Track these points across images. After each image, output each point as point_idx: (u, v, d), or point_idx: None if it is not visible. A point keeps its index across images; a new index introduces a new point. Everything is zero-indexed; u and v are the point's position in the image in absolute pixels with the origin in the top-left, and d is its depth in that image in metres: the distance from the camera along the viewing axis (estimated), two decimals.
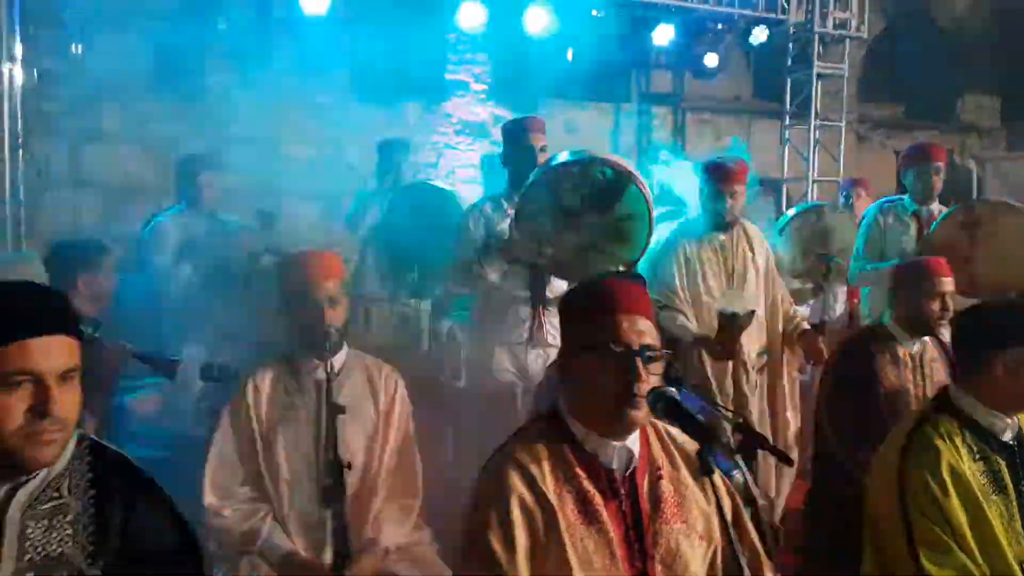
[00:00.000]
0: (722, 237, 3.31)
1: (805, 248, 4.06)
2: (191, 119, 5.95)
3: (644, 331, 1.52)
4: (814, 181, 7.14)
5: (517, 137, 3.19)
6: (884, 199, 4.22)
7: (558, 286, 3.05)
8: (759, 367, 3.32)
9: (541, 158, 3.05)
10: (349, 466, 1.92)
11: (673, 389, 1.50)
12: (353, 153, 6.27)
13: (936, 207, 3.84)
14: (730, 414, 2.06)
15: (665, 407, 1.44)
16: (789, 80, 7.41)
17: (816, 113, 7.28)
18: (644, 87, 8.15)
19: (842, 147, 7.23)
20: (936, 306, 2.65)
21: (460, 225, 3.19)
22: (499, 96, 7.19)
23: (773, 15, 6.96)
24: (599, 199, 2.72)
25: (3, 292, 1.28)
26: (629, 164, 2.85)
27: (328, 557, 2.16)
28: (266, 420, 2.30)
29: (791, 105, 7.42)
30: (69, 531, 1.30)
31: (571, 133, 7.24)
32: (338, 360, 2.30)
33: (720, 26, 6.99)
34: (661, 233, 3.28)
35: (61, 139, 5.90)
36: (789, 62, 7.38)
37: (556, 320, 2.81)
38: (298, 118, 6.23)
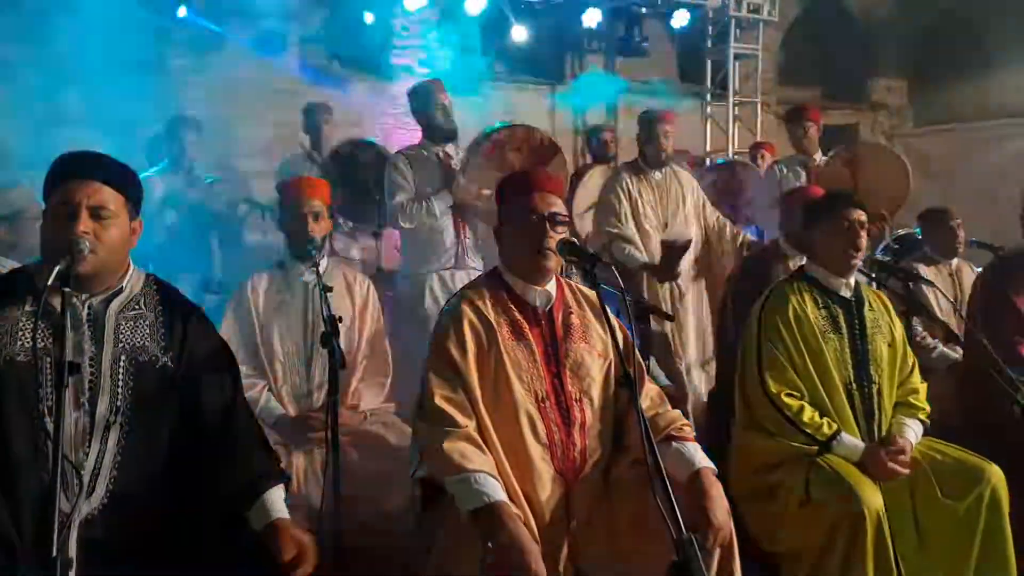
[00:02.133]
0: (657, 176, 4.01)
1: (719, 197, 4.82)
2: (151, 102, 6.38)
3: (553, 203, 2.14)
4: (734, 154, 7.92)
5: (425, 97, 3.86)
6: (783, 157, 5.00)
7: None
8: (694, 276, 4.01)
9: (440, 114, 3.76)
10: (340, 319, 2.47)
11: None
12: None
13: (820, 158, 4.60)
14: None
15: (568, 248, 2.06)
16: (709, 61, 8.20)
17: (734, 91, 8.08)
18: (578, 68, 8.78)
19: (759, 121, 8.03)
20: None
21: (390, 176, 3.79)
22: (442, 79, 7.79)
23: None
24: (534, 158, 3.38)
25: (68, 156, 1.84)
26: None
27: None
28: (263, 313, 2.86)
29: (711, 84, 8.20)
30: (147, 331, 1.87)
31: (510, 113, 7.88)
32: (322, 265, 2.88)
33: (644, 10, 7.70)
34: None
35: (24, 123, 6.30)
36: (709, 44, 8.17)
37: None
38: (253, 101, 6.70)
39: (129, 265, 1.92)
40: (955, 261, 3.91)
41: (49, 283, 1.63)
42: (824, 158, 4.63)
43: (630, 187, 3.93)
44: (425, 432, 1.98)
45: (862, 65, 10.00)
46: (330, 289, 2.56)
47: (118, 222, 1.82)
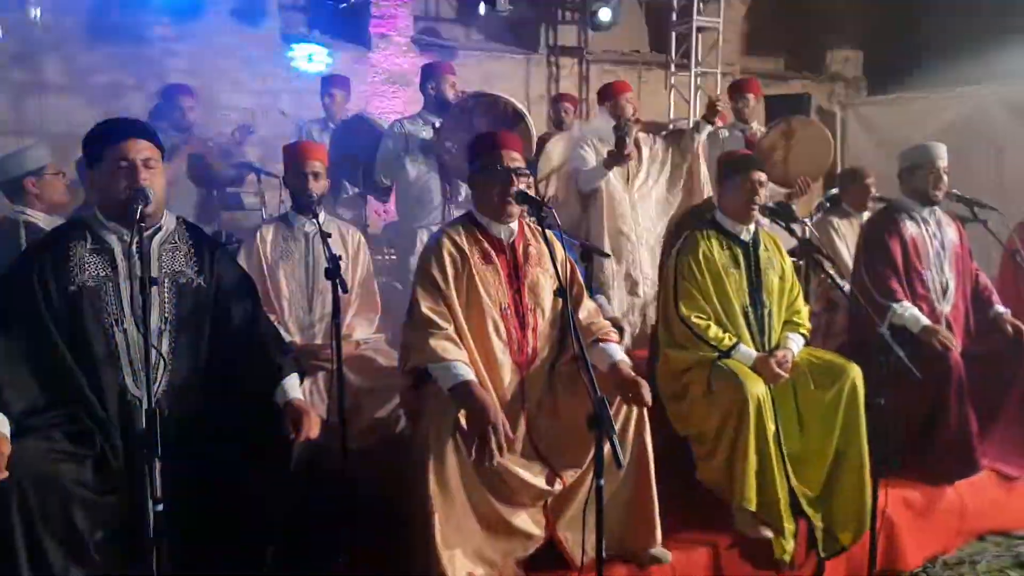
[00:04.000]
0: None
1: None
2: (131, 70, 6.87)
3: (516, 159, 2.83)
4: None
5: (438, 77, 4.65)
6: (727, 124, 5.75)
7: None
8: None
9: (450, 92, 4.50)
10: (340, 257, 3.13)
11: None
12: (286, 101, 7.38)
13: (757, 127, 5.35)
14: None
15: (522, 196, 2.76)
16: (674, 33, 8.89)
17: (697, 62, 8.79)
18: (552, 40, 9.43)
19: (718, 91, 8.75)
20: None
21: (384, 134, 4.54)
22: (419, 48, 8.39)
23: None
24: (501, 124, 4.08)
25: (113, 121, 2.42)
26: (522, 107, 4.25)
27: None
28: (270, 257, 3.53)
29: (676, 56, 8.91)
30: (183, 259, 2.48)
31: (486, 83, 8.50)
32: (321, 217, 3.55)
33: None
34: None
35: (3, 90, 6.52)
36: (674, 17, 8.86)
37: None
38: (233, 69, 7.22)
39: (164, 208, 2.50)
40: (865, 213, 4.66)
41: (137, 221, 2.23)
42: (762, 128, 5.39)
43: (593, 144, 4.62)
44: (414, 334, 2.68)
45: (821, 37, 10.77)
46: (329, 235, 3.24)
47: (161, 169, 2.42)
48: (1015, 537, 3.57)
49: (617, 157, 4.30)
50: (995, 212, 3.76)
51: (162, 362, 2.37)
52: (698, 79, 8.88)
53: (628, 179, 4.67)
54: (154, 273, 2.37)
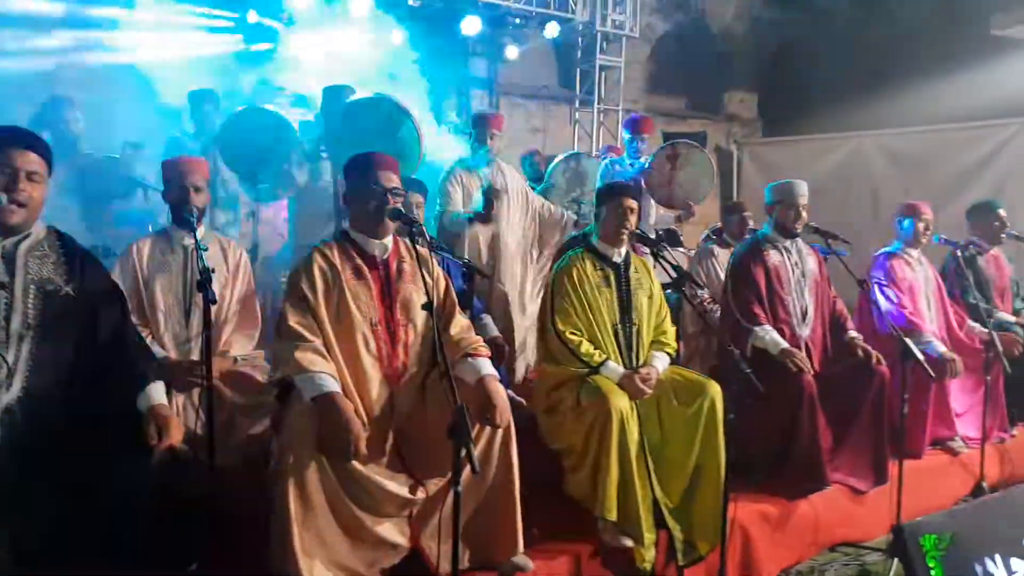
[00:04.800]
0: (485, 169, 4.86)
1: (568, 185, 5.82)
2: (25, 82, 6.71)
3: (392, 178, 2.93)
4: (593, 156, 8.95)
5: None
6: (619, 157, 6.03)
7: None
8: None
9: None
10: (214, 270, 3.14)
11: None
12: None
13: (646, 159, 5.63)
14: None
15: (396, 214, 2.86)
16: (578, 71, 9.24)
17: (600, 99, 9.14)
18: (464, 72, 9.64)
19: (619, 127, 9.11)
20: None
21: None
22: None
23: (563, 13, 8.71)
24: (385, 124, 4.20)
25: (5, 129, 2.43)
26: (410, 105, 4.35)
27: None
28: (147, 270, 3.50)
29: (580, 92, 9.24)
30: (51, 267, 2.48)
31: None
32: (200, 231, 3.55)
33: (519, 20, 8.64)
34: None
35: None
36: (579, 55, 9.20)
37: None
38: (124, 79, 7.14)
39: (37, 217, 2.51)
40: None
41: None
42: (648, 159, 5.68)
43: (461, 178, 4.79)
44: (281, 346, 2.73)
45: (719, 79, 11.37)
46: (205, 249, 3.27)
47: (44, 183, 2.46)
48: (863, 547, 3.81)
49: (483, 218, 4.53)
50: (849, 245, 4.05)
51: (21, 366, 2.37)
52: (601, 115, 9.22)
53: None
54: (19, 277, 2.41)
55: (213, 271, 3.02)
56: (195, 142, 5.38)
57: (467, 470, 2.30)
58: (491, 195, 4.47)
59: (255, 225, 5.17)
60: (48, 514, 2.18)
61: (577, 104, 9.36)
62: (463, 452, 2.28)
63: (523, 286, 4.86)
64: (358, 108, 4.51)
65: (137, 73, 6.25)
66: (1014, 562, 2.34)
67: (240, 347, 3.65)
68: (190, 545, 2.56)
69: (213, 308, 3.30)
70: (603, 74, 9.22)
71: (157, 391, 2.54)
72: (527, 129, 10.29)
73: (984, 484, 4.21)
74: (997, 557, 2.31)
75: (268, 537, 2.65)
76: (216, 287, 3.52)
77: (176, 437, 2.42)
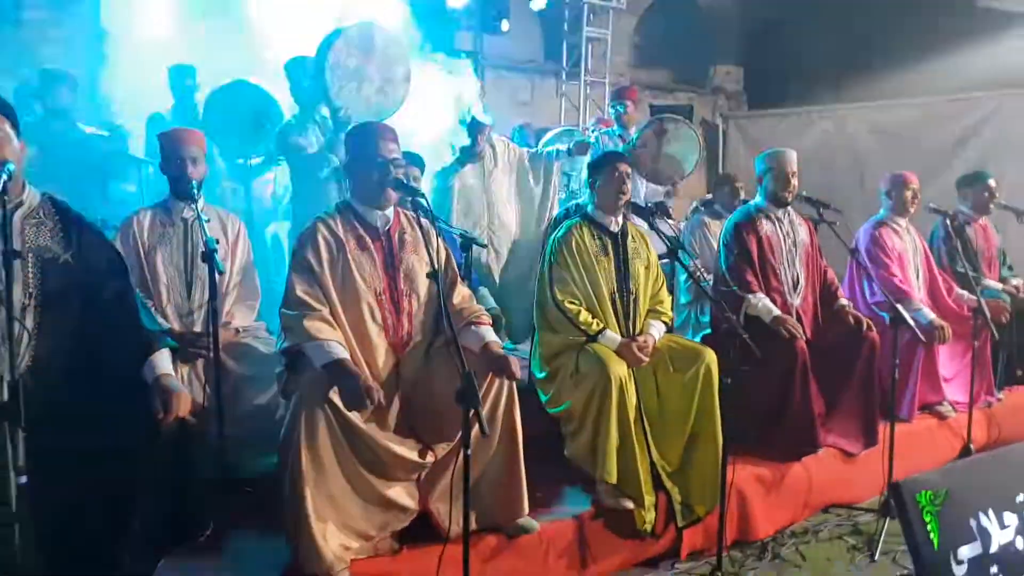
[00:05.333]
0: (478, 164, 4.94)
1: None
2: (4, 55, 6.62)
3: (394, 149, 2.96)
4: (583, 129, 8.99)
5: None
6: (608, 128, 6.07)
7: None
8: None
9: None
10: (217, 241, 3.18)
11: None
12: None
13: (634, 131, 5.67)
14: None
15: (399, 184, 2.89)
16: (565, 43, 9.23)
17: (587, 71, 9.15)
18: (450, 44, 9.59)
19: (606, 100, 9.15)
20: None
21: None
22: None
23: None
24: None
25: None
26: None
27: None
28: (147, 243, 3.52)
29: (567, 65, 9.24)
30: (48, 234, 2.46)
31: None
32: (200, 203, 3.57)
33: None
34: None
35: None
36: (566, 27, 9.19)
37: None
38: (111, 53, 7.07)
39: (24, 183, 2.47)
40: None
41: (0, 194, 2.25)
42: (636, 131, 5.73)
43: (459, 177, 4.89)
44: (289, 315, 2.77)
45: (705, 53, 11.41)
46: (208, 220, 3.30)
47: (11, 141, 2.37)
48: (855, 508, 3.93)
49: (471, 154, 4.63)
50: (839, 214, 4.12)
51: (26, 336, 2.36)
52: (588, 88, 9.23)
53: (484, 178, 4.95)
54: (17, 247, 2.34)
55: (218, 241, 3.06)
56: (176, 118, 5.37)
57: (474, 433, 2.36)
58: (476, 129, 4.47)
59: (248, 199, 5.18)
60: (58, 488, 2.21)
61: (564, 77, 9.36)
62: (472, 415, 2.34)
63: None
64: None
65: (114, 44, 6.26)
66: (1007, 516, 2.40)
67: (242, 318, 3.69)
68: (202, 514, 2.61)
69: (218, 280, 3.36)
70: (590, 46, 9.23)
71: (163, 360, 2.54)
72: (513, 103, 10.29)
73: (972, 447, 4.33)
74: (990, 512, 2.37)
75: (278, 504, 2.72)
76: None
77: (184, 409, 2.44)
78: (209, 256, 2.98)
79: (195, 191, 3.45)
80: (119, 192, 5.20)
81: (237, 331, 3.63)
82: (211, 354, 3.09)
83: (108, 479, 2.30)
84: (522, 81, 10.23)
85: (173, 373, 2.55)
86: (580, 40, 9.05)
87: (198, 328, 3.55)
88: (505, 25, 8.86)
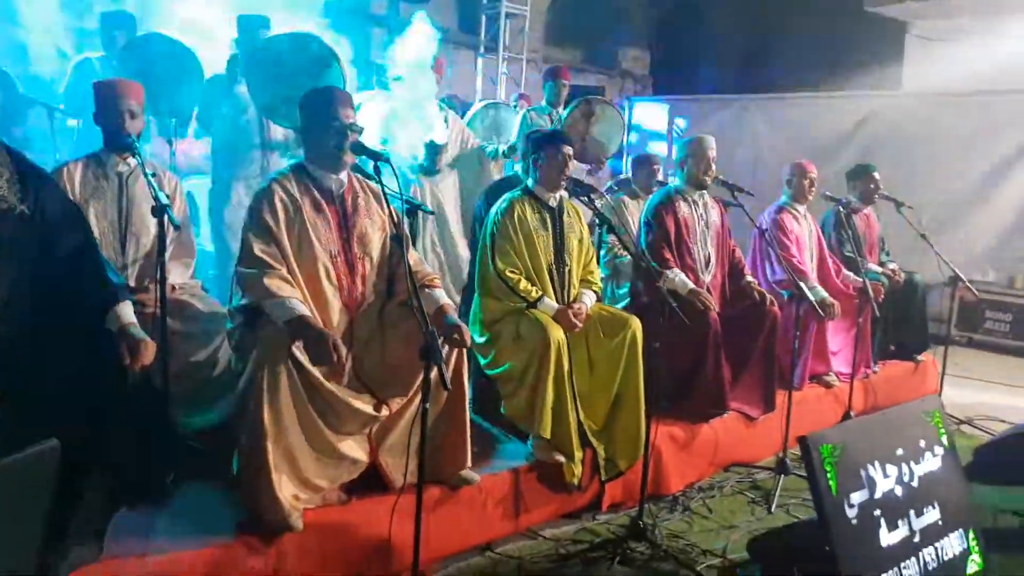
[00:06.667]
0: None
1: (486, 133, 6.02)
2: None
3: (350, 114, 3.05)
4: (504, 104, 9.17)
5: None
6: (534, 105, 6.26)
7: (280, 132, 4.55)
8: None
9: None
10: (166, 207, 3.18)
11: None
12: None
13: (563, 110, 5.89)
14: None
15: (359, 147, 3.00)
16: (484, 17, 9.34)
17: (504, 46, 9.30)
18: (364, 10, 9.50)
19: (523, 75, 9.35)
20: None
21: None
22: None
23: None
24: (312, 65, 4.24)
25: None
26: (336, 48, 4.40)
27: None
28: (79, 195, 3.44)
29: (485, 38, 9.35)
30: (5, 185, 2.42)
31: None
32: (135, 160, 3.53)
33: None
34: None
35: None
36: (484, 0, 9.30)
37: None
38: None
39: None
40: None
41: None
42: (564, 110, 5.95)
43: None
44: (248, 273, 2.83)
45: (615, 35, 11.77)
46: (154, 174, 3.29)
47: None
48: (754, 467, 4.34)
49: (428, 170, 4.93)
50: (751, 196, 4.47)
51: None
52: (505, 63, 9.39)
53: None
54: None
55: (168, 196, 3.07)
56: (106, 68, 5.18)
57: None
58: (435, 150, 4.61)
59: (172, 160, 5.08)
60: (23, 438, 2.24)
61: (482, 50, 9.47)
62: (434, 371, 2.49)
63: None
64: (283, 46, 4.49)
65: None
66: (888, 468, 2.80)
67: (178, 275, 3.68)
68: (166, 460, 2.67)
69: (154, 236, 3.36)
70: (508, 22, 9.37)
71: (126, 311, 2.59)
72: None
73: (852, 413, 4.84)
74: (876, 463, 2.76)
75: (225, 458, 2.81)
76: (152, 218, 3.55)
77: (149, 357, 2.51)
78: (161, 210, 3.00)
79: (136, 144, 3.42)
80: (29, 143, 5.00)
81: (174, 288, 3.63)
82: (158, 306, 3.11)
83: (74, 429, 2.34)
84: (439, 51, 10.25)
85: (137, 323, 2.59)
86: (498, 14, 9.18)
87: (131, 284, 3.55)
88: None
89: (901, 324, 5.67)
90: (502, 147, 5.49)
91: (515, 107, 6.98)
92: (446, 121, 5.18)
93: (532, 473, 3.41)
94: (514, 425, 3.54)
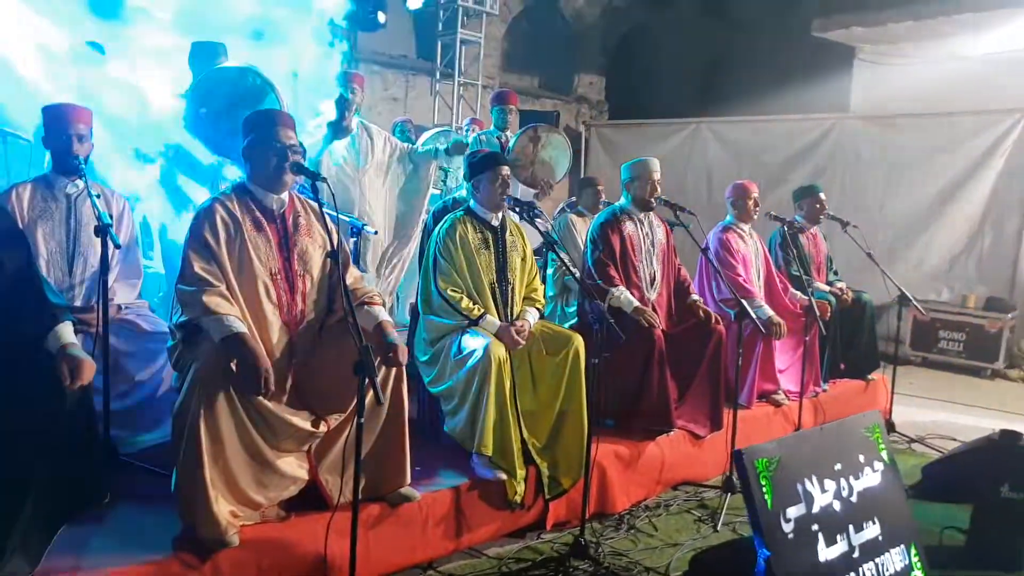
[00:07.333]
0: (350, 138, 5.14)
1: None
2: None
3: (291, 136, 3.13)
4: (457, 128, 9.31)
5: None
6: (484, 130, 6.41)
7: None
8: None
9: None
10: (108, 227, 3.22)
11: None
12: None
13: (510, 134, 6.04)
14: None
15: (298, 168, 3.08)
16: (440, 43, 9.51)
17: (460, 72, 9.47)
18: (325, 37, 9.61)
19: (478, 102, 9.51)
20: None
21: None
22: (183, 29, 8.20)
23: None
24: (248, 94, 4.32)
25: None
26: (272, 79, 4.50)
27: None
28: (27, 217, 3.51)
29: (441, 64, 9.52)
30: None
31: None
32: (82, 183, 3.57)
33: None
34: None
35: None
36: (440, 28, 9.47)
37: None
38: None
39: None
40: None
41: None
42: (512, 134, 6.10)
43: (333, 148, 5.06)
44: (187, 290, 2.88)
45: (570, 62, 12.02)
46: (99, 196, 3.35)
47: None
48: (701, 485, 4.43)
49: (339, 129, 4.85)
50: (694, 217, 4.61)
51: None
52: (461, 89, 9.55)
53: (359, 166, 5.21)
54: None
55: (111, 216, 3.12)
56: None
57: (368, 402, 2.58)
58: (345, 105, 4.68)
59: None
60: None
61: (438, 76, 9.63)
62: (368, 386, 2.55)
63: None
64: (221, 78, 4.57)
65: None
66: (826, 482, 2.85)
67: (124, 295, 3.75)
68: (101, 480, 2.69)
69: (99, 256, 3.41)
70: (463, 48, 9.55)
71: (66, 331, 2.64)
72: (385, 97, 10.47)
73: (801, 431, 4.96)
74: (814, 478, 2.81)
75: (164, 476, 2.84)
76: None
77: (88, 376, 2.55)
78: (103, 230, 3.06)
79: (82, 167, 3.49)
80: None
81: (120, 308, 3.68)
82: (100, 326, 3.15)
83: (11, 449, 2.38)
84: (396, 77, 10.41)
85: (77, 343, 2.63)
86: (454, 41, 9.36)
87: (78, 303, 3.60)
88: (382, 17, 9.02)
89: (851, 343, 5.83)
90: (441, 145, 5.59)
91: (467, 131, 7.12)
92: (369, 133, 5.29)
93: (474, 491, 3.46)
94: (457, 443, 3.60)
